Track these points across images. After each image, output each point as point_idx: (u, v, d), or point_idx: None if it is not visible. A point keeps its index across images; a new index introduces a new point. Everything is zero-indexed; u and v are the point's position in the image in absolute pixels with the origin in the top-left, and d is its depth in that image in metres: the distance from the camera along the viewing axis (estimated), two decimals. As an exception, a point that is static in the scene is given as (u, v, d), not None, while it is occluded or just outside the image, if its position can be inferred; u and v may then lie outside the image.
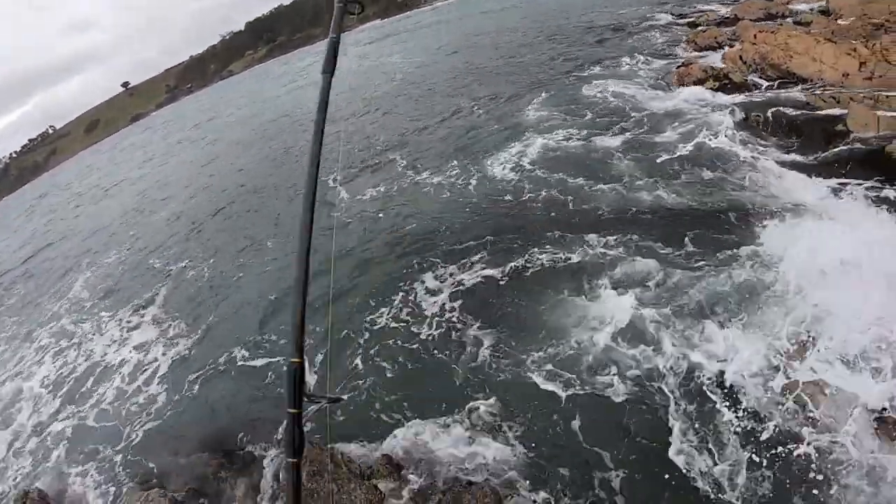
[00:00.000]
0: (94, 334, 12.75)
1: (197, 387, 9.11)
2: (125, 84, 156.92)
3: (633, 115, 14.20)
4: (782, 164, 9.99)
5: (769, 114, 11.93)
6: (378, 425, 6.68)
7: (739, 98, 13.72)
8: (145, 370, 10.21)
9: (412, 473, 5.77)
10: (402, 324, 8.48)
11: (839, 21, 16.62)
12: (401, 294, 9.21)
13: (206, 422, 8.14)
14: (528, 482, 5.42)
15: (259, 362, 9.04)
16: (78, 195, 41.23)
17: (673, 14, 25.67)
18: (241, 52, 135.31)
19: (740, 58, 16.20)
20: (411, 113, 21.81)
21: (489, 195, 12.13)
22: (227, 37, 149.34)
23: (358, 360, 7.95)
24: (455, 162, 14.74)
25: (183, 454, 7.40)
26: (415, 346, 7.89)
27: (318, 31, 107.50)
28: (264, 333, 9.74)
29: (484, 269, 9.09)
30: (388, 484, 5.58)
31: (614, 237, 8.75)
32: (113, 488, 7.37)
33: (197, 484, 6.69)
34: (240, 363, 9.24)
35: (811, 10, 19.09)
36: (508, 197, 11.64)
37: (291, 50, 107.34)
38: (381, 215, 12.93)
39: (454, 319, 8.11)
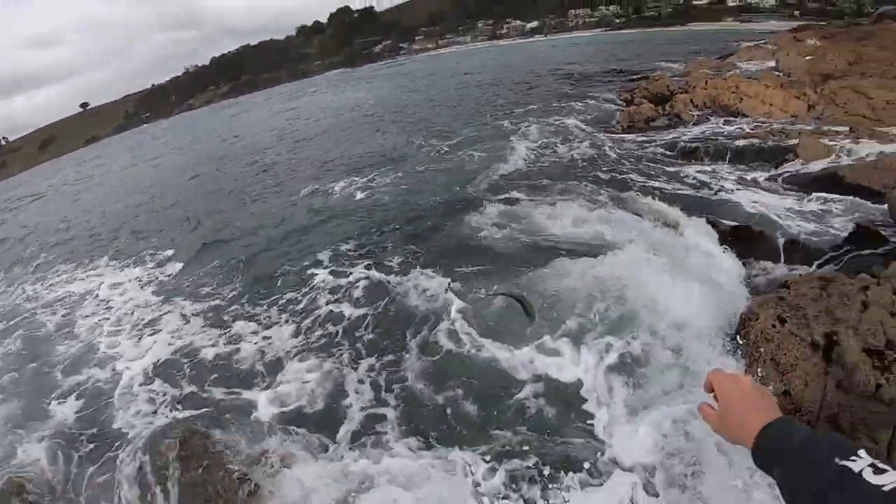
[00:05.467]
0: None
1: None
2: (84, 105, 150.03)
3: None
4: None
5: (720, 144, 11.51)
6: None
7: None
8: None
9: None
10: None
11: (789, 77, 16.66)
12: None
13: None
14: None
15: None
16: None
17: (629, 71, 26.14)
18: (203, 86, 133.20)
19: (691, 101, 15.86)
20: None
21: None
22: (192, 69, 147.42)
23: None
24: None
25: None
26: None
27: (282, 72, 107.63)
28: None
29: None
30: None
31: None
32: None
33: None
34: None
35: (759, 69, 19.37)
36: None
37: (253, 90, 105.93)
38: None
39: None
